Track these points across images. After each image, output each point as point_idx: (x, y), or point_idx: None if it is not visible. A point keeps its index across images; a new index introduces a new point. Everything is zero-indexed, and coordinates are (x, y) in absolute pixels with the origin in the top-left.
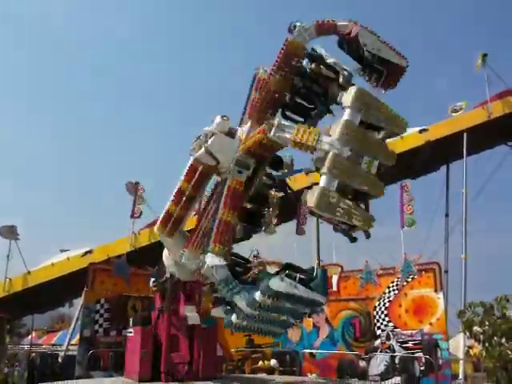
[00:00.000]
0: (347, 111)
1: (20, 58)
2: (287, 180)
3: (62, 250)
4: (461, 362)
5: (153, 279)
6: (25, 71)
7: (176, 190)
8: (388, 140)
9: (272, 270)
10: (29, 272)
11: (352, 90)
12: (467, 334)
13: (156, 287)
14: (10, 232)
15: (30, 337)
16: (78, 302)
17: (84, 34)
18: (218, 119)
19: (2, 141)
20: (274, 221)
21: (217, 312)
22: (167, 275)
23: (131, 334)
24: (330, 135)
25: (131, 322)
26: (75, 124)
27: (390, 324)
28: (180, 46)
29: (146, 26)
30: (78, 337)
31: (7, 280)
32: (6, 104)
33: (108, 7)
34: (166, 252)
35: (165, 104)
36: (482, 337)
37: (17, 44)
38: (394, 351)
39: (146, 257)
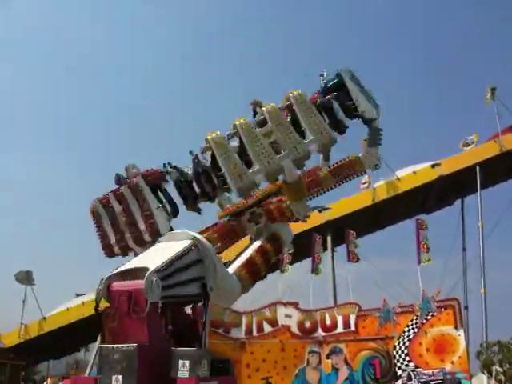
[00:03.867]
0: None
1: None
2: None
3: (77, 295)
4: None
5: None
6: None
7: None
8: (398, 177)
9: None
10: (44, 318)
11: None
12: (486, 373)
13: None
14: (26, 277)
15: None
16: (94, 347)
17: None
18: None
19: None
20: (288, 260)
21: None
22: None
23: None
24: None
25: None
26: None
27: (411, 364)
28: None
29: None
30: None
31: (22, 326)
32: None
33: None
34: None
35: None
36: (503, 377)
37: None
38: None
39: None
